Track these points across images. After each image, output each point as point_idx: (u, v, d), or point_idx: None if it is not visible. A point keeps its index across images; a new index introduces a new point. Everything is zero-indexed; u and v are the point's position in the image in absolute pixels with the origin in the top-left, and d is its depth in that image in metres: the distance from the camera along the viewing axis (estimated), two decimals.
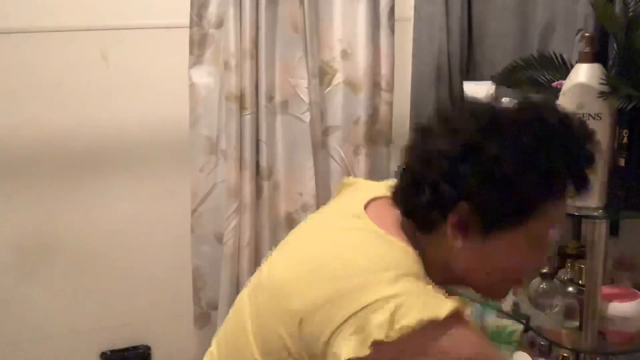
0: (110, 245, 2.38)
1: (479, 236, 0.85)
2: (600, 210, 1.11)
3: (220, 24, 1.90)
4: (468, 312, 0.81)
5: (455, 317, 0.77)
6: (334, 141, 2.01)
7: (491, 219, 0.84)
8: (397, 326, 0.75)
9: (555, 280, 1.31)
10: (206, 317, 2.04)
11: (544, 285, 1.30)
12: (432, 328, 0.76)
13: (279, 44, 1.91)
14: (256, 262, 1.99)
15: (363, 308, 0.77)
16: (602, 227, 1.11)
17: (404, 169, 0.91)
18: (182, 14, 1.91)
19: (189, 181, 2.00)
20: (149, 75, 2.29)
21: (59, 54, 2.21)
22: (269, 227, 1.98)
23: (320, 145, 2.00)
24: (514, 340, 1.45)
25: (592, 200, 1.12)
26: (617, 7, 1.16)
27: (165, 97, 2.26)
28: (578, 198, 0.88)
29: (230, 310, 1.03)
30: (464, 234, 0.85)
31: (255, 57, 1.88)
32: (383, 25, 1.97)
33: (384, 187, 0.98)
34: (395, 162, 2.08)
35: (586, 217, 1.13)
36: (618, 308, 1.15)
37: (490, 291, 0.95)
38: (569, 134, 0.85)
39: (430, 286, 0.82)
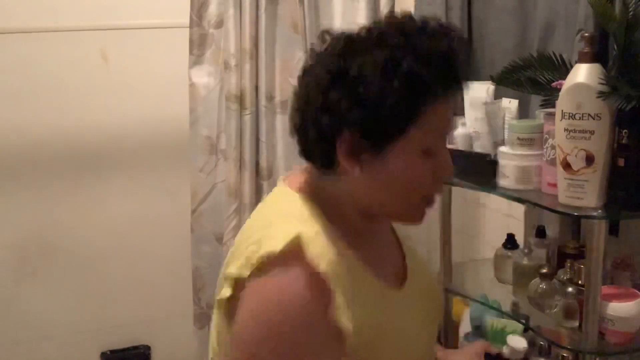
0: (110, 245, 2.38)
1: (372, 158, 0.86)
2: (600, 210, 1.11)
3: (220, 24, 1.90)
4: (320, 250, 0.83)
5: (294, 252, 0.80)
6: None
7: (375, 138, 0.85)
8: (248, 262, 0.81)
9: (554, 280, 1.31)
10: (206, 317, 2.04)
11: (543, 285, 1.30)
12: (271, 264, 0.80)
13: (278, 44, 1.91)
14: None
15: (240, 254, 0.84)
16: (602, 227, 1.11)
17: (291, 110, 0.95)
18: (182, 14, 1.92)
19: (189, 181, 2.00)
20: (149, 75, 2.29)
21: (59, 54, 2.21)
22: None
23: None
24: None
25: (592, 200, 1.12)
26: (617, 7, 1.16)
27: (165, 97, 2.27)
28: (452, 100, 0.90)
29: None
30: (358, 160, 0.86)
31: (255, 57, 1.88)
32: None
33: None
34: None
35: (586, 217, 1.13)
36: (618, 308, 1.15)
37: (406, 215, 0.94)
38: (423, 35, 0.85)
39: (300, 220, 0.86)
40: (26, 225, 2.30)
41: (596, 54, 1.10)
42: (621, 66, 1.13)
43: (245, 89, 1.88)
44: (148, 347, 2.49)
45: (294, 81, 1.92)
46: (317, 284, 0.80)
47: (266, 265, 0.80)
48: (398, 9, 1.98)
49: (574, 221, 1.45)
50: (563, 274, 1.32)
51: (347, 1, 1.94)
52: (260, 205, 0.98)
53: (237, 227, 1.93)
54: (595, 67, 1.09)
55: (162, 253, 2.41)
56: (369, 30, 0.88)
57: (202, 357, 2.05)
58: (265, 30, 1.87)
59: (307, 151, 0.92)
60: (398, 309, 0.93)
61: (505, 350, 1.21)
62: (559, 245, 1.46)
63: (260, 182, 1.96)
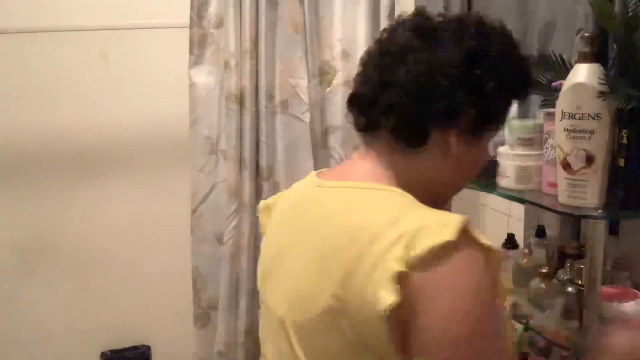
0: (110, 245, 2.38)
1: (470, 141, 0.89)
2: (600, 210, 1.11)
3: (220, 23, 1.90)
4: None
5: (465, 236, 0.77)
6: (334, 141, 2.01)
7: (489, 123, 0.89)
8: (412, 256, 0.75)
9: (554, 280, 1.31)
10: (206, 317, 2.04)
11: (543, 285, 1.30)
12: (445, 251, 0.76)
13: (279, 44, 1.91)
14: (255, 262, 1.99)
15: (381, 257, 0.76)
16: (602, 227, 1.11)
17: (389, 83, 0.88)
18: (182, 14, 1.92)
19: (189, 181, 2.00)
20: (149, 75, 2.29)
21: (59, 54, 2.21)
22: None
23: (320, 145, 2.00)
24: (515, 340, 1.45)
25: (592, 200, 1.12)
26: (617, 7, 1.16)
27: (165, 97, 2.27)
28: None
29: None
30: (460, 139, 0.88)
31: (255, 57, 1.88)
32: (383, 25, 1.97)
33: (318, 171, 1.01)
34: None
35: (586, 217, 1.13)
36: (618, 308, 1.15)
37: (453, 193, 0.99)
38: (515, 42, 0.92)
39: (429, 210, 0.83)
40: (26, 225, 2.30)
41: (596, 54, 1.10)
42: (621, 66, 1.13)
43: (245, 89, 1.88)
44: (148, 347, 2.49)
45: (293, 81, 1.93)
46: (489, 255, 0.80)
47: (440, 252, 0.76)
48: (398, 9, 1.98)
49: (574, 221, 1.45)
50: (563, 274, 1.32)
51: (347, 1, 1.94)
52: (334, 207, 0.89)
53: (237, 227, 1.93)
54: (595, 67, 1.09)
55: (162, 253, 2.41)
56: (476, 19, 0.91)
57: (202, 357, 2.05)
58: (265, 30, 1.87)
59: (403, 128, 0.88)
60: None
61: None
62: (559, 245, 1.46)
63: (260, 182, 1.95)
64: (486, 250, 0.79)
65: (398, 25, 0.92)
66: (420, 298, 0.76)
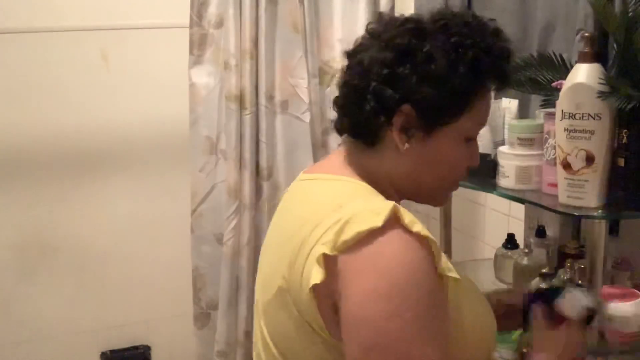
0: (110, 245, 2.38)
1: (422, 136, 0.91)
2: (600, 210, 1.11)
3: (220, 23, 1.90)
4: (409, 216, 0.84)
5: (393, 223, 0.81)
6: (334, 141, 2.01)
7: (432, 117, 0.90)
8: (339, 241, 0.80)
9: (554, 280, 1.31)
10: (206, 317, 2.04)
11: (543, 285, 1.30)
12: (371, 238, 0.80)
13: (278, 44, 1.91)
14: (255, 262, 1.99)
15: (317, 241, 0.82)
16: (602, 227, 1.11)
17: (342, 86, 0.96)
18: (182, 14, 1.92)
19: (189, 181, 2.00)
20: (149, 75, 2.29)
21: (59, 54, 2.21)
22: (269, 227, 1.98)
23: (320, 145, 2.00)
24: (514, 339, 1.45)
25: (592, 200, 1.12)
26: (617, 7, 1.16)
27: (165, 97, 2.27)
28: (499, 94, 0.95)
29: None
30: (408, 136, 0.90)
31: (255, 57, 1.88)
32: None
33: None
34: None
35: (586, 217, 1.13)
36: (618, 308, 1.15)
37: (434, 198, 1.00)
38: (486, 32, 0.92)
39: (377, 200, 0.87)
40: (26, 225, 2.30)
41: (596, 54, 1.10)
42: (621, 66, 1.13)
43: (245, 89, 1.88)
44: (148, 347, 2.49)
45: (293, 81, 1.93)
46: (421, 243, 0.82)
47: (366, 238, 0.80)
48: (398, 9, 1.98)
49: (574, 221, 1.45)
50: (563, 274, 1.32)
51: (347, 1, 1.94)
52: (298, 198, 0.97)
53: (237, 227, 1.93)
54: (595, 67, 1.09)
55: (162, 253, 2.41)
56: (432, 18, 0.93)
57: (202, 357, 2.05)
58: (265, 30, 1.87)
59: (354, 127, 0.94)
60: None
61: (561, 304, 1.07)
62: (559, 245, 1.46)
63: (260, 182, 1.95)
64: (421, 238, 0.82)
65: (363, 34, 0.98)
66: (344, 280, 0.81)
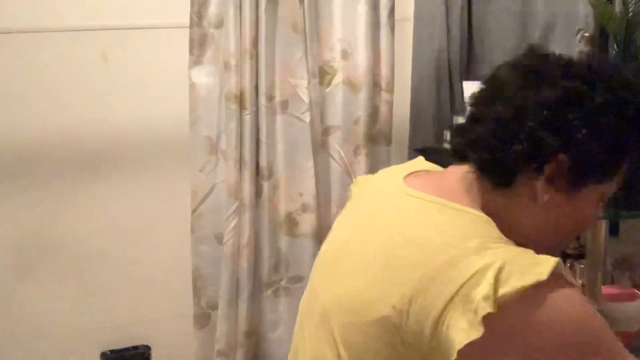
0: (110, 245, 2.38)
1: (565, 192, 0.82)
2: (600, 210, 1.11)
3: (220, 23, 1.90)
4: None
5: (557, 277, 0.73)
6: (334, 141, 2.01)
7: (586, 174, 0.81)
8: (500, 294, 0.70)
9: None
10: (206, 317, 2.04)
11: None
12: (536, 292, 0.72)
13: (278, 44, 1.91)
14: (255, 262, 1.99)
15: (462, 286, 0.72)
16: (602, 227, 1.11)
17: (484, 117, 0.85)
18: (182, 14, 1.91)
19: (189, 181, 2.00)
20: (149, 75, 2.29)
21: (59, 54, 2.21)
22: (269, 227, 1.98)
23: (320, 145, 2.00)
24: None
25: None
26: (617, 7, 1.16)
27: (165, 97, 2.26)
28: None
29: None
30: (551, 188, 0.81)
31: (255, 57, 1.88)
32: (383, 25, 1.97)
33: (409, 166, 0.96)
34: (395, 161, 2.08)
35: None
36: (618, 308, 1.15)
37: (548, 251, 0.84)
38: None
39: (519, 247, 0.77)
40: (26, 225, 2.30)
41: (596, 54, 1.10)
42: None
43: (245, 89, 1.88)
44: (148, 347, 2.48)
45: (293, 81, 1.93)
46: (582, 293, 0.78)
47: (530, 295, 0.71)
48: (398, 9, 1.98)
49: None
50: None
51: (347, 1, 1.94)
52: (409, 216, 0.86)
53: (237, 227, 1.93)
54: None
55: (162, 253, 2.41)
56: (607, 65, 0.86)
57: (202, 357, 2.05)
58: (265, 30, 1.87)
59: (489, 164, 0.83)
60: None
61: None
62: None
63: (261, 182, 1.95)
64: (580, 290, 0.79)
65: (506, 64, 0.87)
66: (505, 336, 0.73)
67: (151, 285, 2.43)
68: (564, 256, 1.41)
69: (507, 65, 0.87)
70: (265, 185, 1.95)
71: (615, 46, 1.15)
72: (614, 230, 1.35)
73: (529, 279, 0.71)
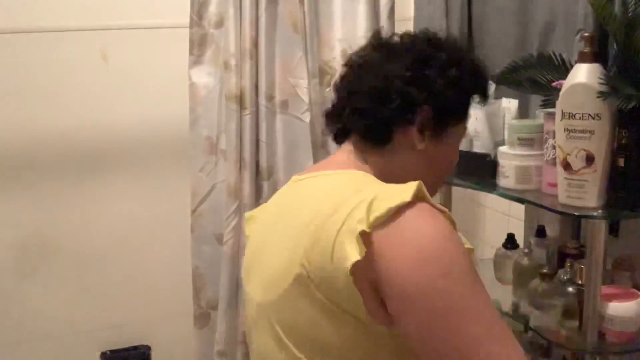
0: (110, 245, 2.38)
1: (433, 136, 0.99)
2: (600, 210, 1.11)
3: (220, 23, 1.90)
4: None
5: (420, 199, 0.85)
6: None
7: (446, 117, 0.99)
8: (371, 217, 0.82)
9: (555, 280, 1.31)
10: (206, 317, 2.04)
11: (543, 285, 1.30)
12: (401, 212, 0.83)
13: (278, 44, 1.91)
14: None
15: (344, 222, 0.83)
16: (602, 227, 1.11)
17: (355, 91, 1.01)
18: (182, 14, 1.92)
19: (189, 181, 2.00)
20: (149, 75, 2.29)
21: (59, 54, 2.21)
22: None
23: (320, 145, 2.00)
24: None
25: (592, 200, 1.12)
26: (617, 7, 1.16)
27: (165, 97, 2.26)
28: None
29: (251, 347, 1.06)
30: (423, 135, 0.98)
31: (255, 57, 1.88)
32: (383, 25, 1.97)
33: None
34: None
35: (586, 217, 1.13)
36: (618, 308, 1.15)
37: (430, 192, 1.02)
38: (465, 49, 1.08)
39: (390, 184, 0.91)
40: (26, 225, 2.30)
41: (596, 54, 1.10)
42: (621, 66, 1.13)
43: (245, 89, 1.88)
44: (148, 347, 2.49)
45: (293, 81, 1.93)
46: (444, 216, 0.86)
47: (398, 213, 0.82)
48: (398, 9, 1.98)
49: (574, 221, 1.45)
50: (563, 274, 1.32)
51: (347, 1, 1.94)
52: (303, 195, 0.99)
53: (237, 227, 1.93)
54: (595, 67, 1.09)
55: (162, 253, 2.41)
56: (441, 36, 1.05)
57: (202, 357, 2.05)
58: (265, 30, 1.87)
59: (369, 128, 0.99)
60: None
61: None
62: (559, 245, 1.46)
63: (261, 182, 1.95)
64: (443, 212, 0.87)
65: (355, 53, 1.05)
66: (382, 257, 0.82)
67: (151, 285, 2.43)
68: (564, 256, 1.41)
69: (358, 52, 1.05)
70: (265, 185, 1.95)
71: (615, 46, 1.15)
72: (614, 230, 1.35)
73: (394, 201, 0.83)
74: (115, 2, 2.22)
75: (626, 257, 1.32)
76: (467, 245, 0.87)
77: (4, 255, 2.29)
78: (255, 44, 1.88)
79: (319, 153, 1.99)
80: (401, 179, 0.92)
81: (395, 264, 0.81)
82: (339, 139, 1.05)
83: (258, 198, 1.95)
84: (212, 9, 1.90)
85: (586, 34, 1.12)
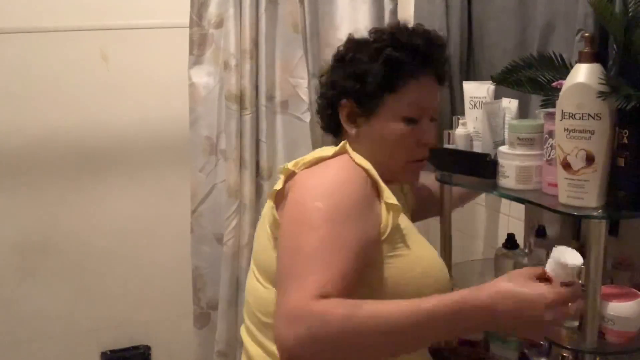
0: (110, 245, 2.38)
1: (365, 121, 1.22)
2: (600, 210, 1.11)
3: (220, 23, 1.90)
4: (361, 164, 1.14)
5: (342, 153, 1.14)
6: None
7: (365, 103, 1.21)
8: (301, 162, 1.13)
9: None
10: (206, 317, 2.04)
11: None
12: (318, 163, 1.13)
13: (279, 44, 1.91)
14: None
15: (286, 165, 1.15)
16: (602, 227, 1.11)
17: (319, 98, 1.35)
18: (182, 14, 1.92)
19: (189, 181, 2.00)
20: (149, 75, 2.29)
21: (59, 54, 2.21)
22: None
23: (321, 145, 1.99)
24: (514, 340, 1.45)
25: (592, 200, 1.12)
26: (617, 7, 1.16)
27: (165, 97, 2.27)
28: (428, 81, 1.25)
29: None
30: (354, 122, 1.23)
31: (255, 57, 1.88)
32: (385, 25, 1.96)
33: None
34: None
35: (586, 217, 1.13)
36: (618, 308, 1.15)
37: (398, 174, 1.25)
38: (406, 34, 1.23)
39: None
40: (26, 225, 2.30)
41: (596, 54, 1.10)
42: (621, 66, 1.13)
43: (245, 89, 1.88)
44: (148, 347, 2.49)
45: (293, 81, 1.93)
46: (363, 173, 1.10)
47: (319, 160, 1.13)
48: (400, 9, 1.98)
49: (574, 221, 1.45)
50: None
51: (349, 1, 1.94)
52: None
53: (237, 227, 1.93)
54: (595, 67, 1.09)
55: (162, 253, 2.41)
56: (371, 32, 1.28)
57: (201, 357, 2.05)
58: (265, 30, 1.87)
59: (322, 122, 1.33)
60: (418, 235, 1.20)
61: (548, 268, 0.98)
62: (558, 245, 1.45)
63: (261, 182, 1.95)
64: (363, 168, 1.10)
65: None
66: (293, 187, 1.09)
67: (151, 285, 2.43)
68: None
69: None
70: (265, 185, 1.95)
71: (615, 46, 1.15)
72: (614, 230, 1.35)
73: (319, 154, 1.14)
74: (115, 2, 2.23)
75: (626, 257, 1.32)
76: (391, 201, 1.08)
77: (4, 255, 2.29)
78: (256, 44, 1.88)
79: None
80: (370, 160, 1.14)
81: (294, 194, 1.06)
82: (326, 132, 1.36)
83: (258, 198, 1.95)
84: (212, 9, 1.90)
85: (586, 34, 1.12)
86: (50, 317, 2.36)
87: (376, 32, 1.25)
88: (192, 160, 1.98)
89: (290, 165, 1.11)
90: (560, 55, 1.27)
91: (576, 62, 1.12)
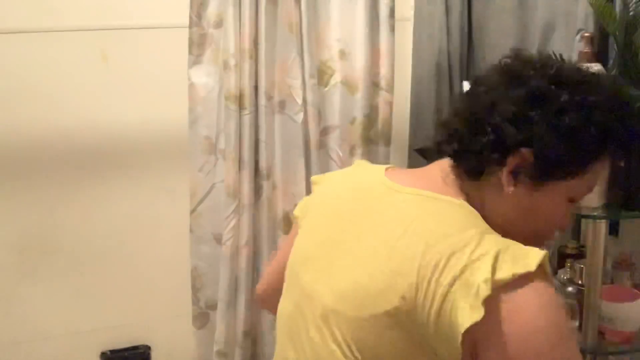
0: (110, 245, 2.38)
1: (530, 185, 0.88)
2: (600, 210, 1.11)
3: (219, 23, 1.90)
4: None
5: (542, 269, 0.80)
6: (332, 141, 2.01)
7: (548, 169, 0.87)
8: (496, 277, 0.77)
9: (555, 280, 1.31)
10: (205, 317, 2.04)
11: None
12: (524, 279, 0.78)
13: (278, 44, 1.91)
14: (254, 262, 1.99)
15: (463, 272, 0.79)
16: (602, 227, 1.11)
17: (461, 111, 0.94)
18: (182, 14, 1.91)
19: (188, 181, 2.00)
20: (149, 75, 2.29)
21: (59, 54, 2.21)
22: (268, 227, 1.98)
23: (317, 146, 1.99)
24: None
25: (592, 200, 1.11)
26: (617, 7, 1.16)
27: (164, 97, 2.26)
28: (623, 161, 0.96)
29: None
30: (517, 180, 0.88)
31: (255, 57, 1.88)
32: (383, 25, 1.96)
33: (375, 166, 1.03)
34: (393, 161, 2.08)
35: (586, 217, 1.13)
36: (618, 308, 1.15)
37: (524, 244, 0.91)
38: (621, 100, 0.90)
39: (509, 239, 0.84)
40: (26, 225, 2.30)
41: (596, 54, 1.10)
42: (621, 66, 1.13)
43: (244, 89, 1.88)
44: (148, 347, 2.48)
45: (289, 81, 1.93)
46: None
47: (522, 279, 0.79)
48: (398, 9, 1.98)
49: (574, 221, 1.45)
50: (563, 274, 1.32)
51: (346, 1, 1.94)
52: (398, 210, 0.91)
53: (236, 227, 1.93)
54: (595, 67, 1.09)
55: (161, 253, 2.41)
56: (579, 70, 0.92)
57: (201, 357, 2.05)
58: (264, 30, 1.87)
59: (462, 155, 0.92)
60: None
61: None
62: (559, 245, 1.45)
63: (260, 182, 1.95)
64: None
65: (492, 65, 0.94)
66: (496, 318, 0.78)
67: (150, 285, 2.43)
68: (564, 256, 1.41)
69: (492, 67, 0.94)
70: (265, 185, 1.95)
71: (615, 46, 1.15)
72: (614, 230, 1.35)
73: (520, 268, 0.78)
74: (115, 2, 2.22)
75: (626, 257, 1.32)
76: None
77: (4, 255, 2.28)
78: (255, 44, 1.87)
79: (315, 154, 1.98)
80: (489, 219, 0.89)
81: (508, 329, 0.78)
82: (438, 153, 0.97)
83: (257, 198, 1.95)
84: (212, 9, 1.90)
85: (586, 34, 1.12)
86: (50, 317, 2.36)
87: (591, 77, 0.91)
88: (192, 160, 1.98)
89: (485, 288, 0.78)
90: (560, 55, 1.27)
91: (576, 62, 1.12)
